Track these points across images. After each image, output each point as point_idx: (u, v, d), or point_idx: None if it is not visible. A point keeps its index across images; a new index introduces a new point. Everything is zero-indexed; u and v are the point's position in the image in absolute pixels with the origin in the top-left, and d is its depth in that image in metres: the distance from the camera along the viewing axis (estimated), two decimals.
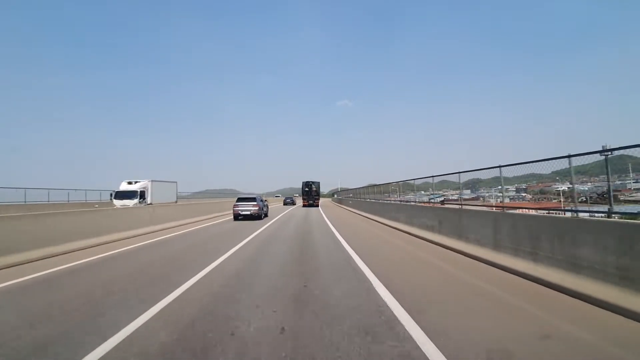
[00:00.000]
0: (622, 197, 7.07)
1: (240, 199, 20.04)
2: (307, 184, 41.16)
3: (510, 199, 9.94)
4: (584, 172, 7.04)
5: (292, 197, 52.78)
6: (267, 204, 23.26)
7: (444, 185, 12.06)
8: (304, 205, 39.49)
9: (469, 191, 11.57)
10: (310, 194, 40.52)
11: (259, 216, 19.16)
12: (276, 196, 77.92)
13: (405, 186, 15.28)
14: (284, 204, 47.44)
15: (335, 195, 61.93)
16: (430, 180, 11.81)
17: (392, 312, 3.96)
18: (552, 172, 7.04)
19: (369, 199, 24.65)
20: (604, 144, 4.76)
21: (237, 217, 19.00)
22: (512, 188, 10.57)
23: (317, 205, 38.74)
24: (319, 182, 41.82)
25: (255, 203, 19.14)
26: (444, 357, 2.86)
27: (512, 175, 7.73)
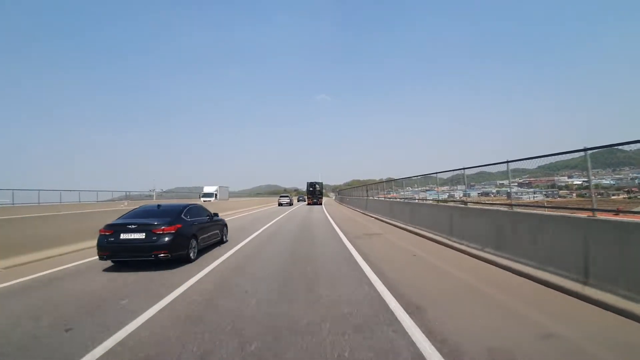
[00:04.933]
0: None
1: (281, 196, 42.48)
2: (311, 184, 43.66)
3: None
4: (573, 166, 6.50)
5: (304, 197, 65.27)
6: (292, 198, 46.94)
7: (430, 180, 11.62)
8: (308, 204, 42.49)
9: (464, 187, 11.32)
10: (314, 193, 43.20)
11: (290, 204, 39.91)
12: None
13: (389, 184, 15.99)
14: (298, 201, 58.45)
15: (337, 194, 63.95)
16: (415, 178, 11.53)
17: (329, 220, 17.38)
18: (538, 167, 6.54)
19: (354, 195, 32.87)
20: None
21: (280, 205, 39.24)
22: (506, 182, 10.01)
23: (321, 204, 41.51)
24: (322, 182, 44.74)
25: (288, 198, 41.08)
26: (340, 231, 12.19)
27: (496, 171, 7.19)
